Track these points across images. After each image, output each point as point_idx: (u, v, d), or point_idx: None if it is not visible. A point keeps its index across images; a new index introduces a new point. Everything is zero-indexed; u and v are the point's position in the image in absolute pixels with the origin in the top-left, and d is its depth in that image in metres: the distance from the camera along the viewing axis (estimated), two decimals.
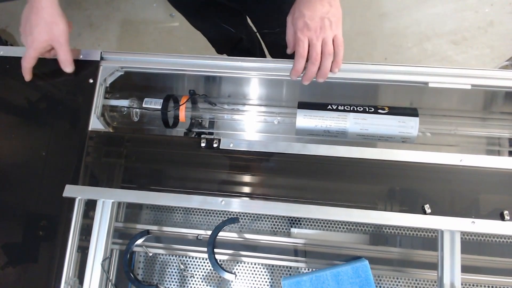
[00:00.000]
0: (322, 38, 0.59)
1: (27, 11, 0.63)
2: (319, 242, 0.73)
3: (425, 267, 0.70)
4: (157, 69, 0.67)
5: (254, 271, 0.77)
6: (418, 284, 0.74)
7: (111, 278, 0.63)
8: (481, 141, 0.75)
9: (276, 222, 0.80)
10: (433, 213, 0.56)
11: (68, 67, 0.65)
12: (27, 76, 0.66)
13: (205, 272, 0.78)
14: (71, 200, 0.61)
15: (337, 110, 0.63)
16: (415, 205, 0.57)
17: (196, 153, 0.63)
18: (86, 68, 0.68)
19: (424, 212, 0.57)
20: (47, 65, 0.68)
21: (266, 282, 0.76)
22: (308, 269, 0.74)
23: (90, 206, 0.62)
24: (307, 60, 0.60)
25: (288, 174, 0.62)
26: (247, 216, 0.81)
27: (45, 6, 0.61)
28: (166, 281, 0.78)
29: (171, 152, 0.64)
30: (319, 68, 0.60)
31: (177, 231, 0.75)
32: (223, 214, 0.81)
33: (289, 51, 0.63)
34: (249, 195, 0.61)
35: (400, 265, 0.71)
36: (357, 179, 0.60)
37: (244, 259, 0.73)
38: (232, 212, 0.74)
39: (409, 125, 0.61)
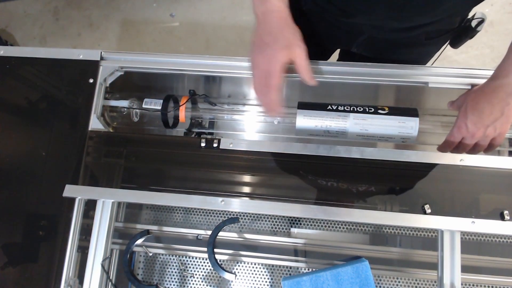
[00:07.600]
0: (477, 140, 0.56)
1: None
2: (319, 242, 0.73)
3: (425, 267, 0.70)
4: (157, 69, 0.67)
5: (254, 271, 0.77)
6: (418, 284, 0.74)
7: (111, 278, 0.63)
8: None
9: (276, 222, 0.80)
10: (433, 213, 0.56)
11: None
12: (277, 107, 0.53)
13: (205, 272, 0.78)
14: (71, 200, 0.61)
15: (337, 110, 0.62)
16: (415, 205, 0.57)
17: (196, 153, 0.63)
18: (86, 68, 0.68)
19: (424, 212, 0.57)
20: (46, 65, 0.68)
21: (266, 282, 0.76)
22: (308, 269, 0.73)
23: (90, 206, 0.62)
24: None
25: (288, 174, 0.62)
26: (247, 216, 0.81)
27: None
28: (166, 281, 0.78)
29: (171, 152, 0.64)
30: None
31: (177, 231, 0.75)
32: (223, 214, 0.81)
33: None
34: (249, 195, 0.61)
35: (400, 265, 0.71)
36: (357, 179, 0.60)
37: (244, 259, 0.73)
38: (232, 212, 0.74)
39: (409, 125, 0.61)
